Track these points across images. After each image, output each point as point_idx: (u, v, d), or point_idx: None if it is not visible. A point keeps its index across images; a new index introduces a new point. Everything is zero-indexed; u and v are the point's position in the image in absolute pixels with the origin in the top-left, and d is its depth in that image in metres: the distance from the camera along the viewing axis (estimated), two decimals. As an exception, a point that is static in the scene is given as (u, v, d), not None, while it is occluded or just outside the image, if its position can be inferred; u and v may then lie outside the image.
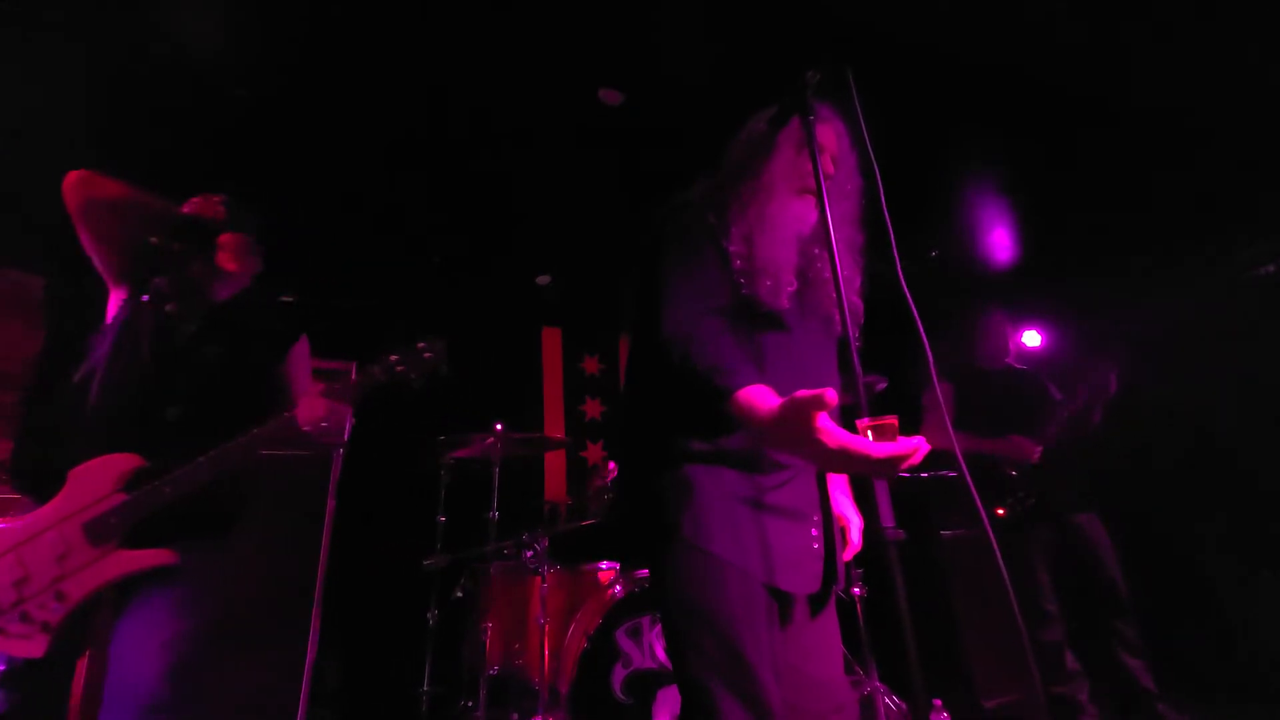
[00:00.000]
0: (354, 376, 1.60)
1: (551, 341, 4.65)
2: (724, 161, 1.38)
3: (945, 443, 2.79)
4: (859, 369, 1.02)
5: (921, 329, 0.95)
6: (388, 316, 3.76)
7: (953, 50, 2.49)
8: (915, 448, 0.90)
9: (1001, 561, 0.90)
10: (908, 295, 0.96)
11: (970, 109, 2.82)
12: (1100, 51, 2.51)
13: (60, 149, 2.80)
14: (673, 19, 2.32)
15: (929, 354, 0.97)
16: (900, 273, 0.97)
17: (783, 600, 1.15)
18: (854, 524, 1.39)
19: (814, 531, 1.20)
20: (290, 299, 3.82)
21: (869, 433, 0.92)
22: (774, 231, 1.22)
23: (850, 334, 1.04)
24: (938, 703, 2.65)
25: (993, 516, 2.64)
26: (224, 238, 1.64)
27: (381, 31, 2.39)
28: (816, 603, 1.23)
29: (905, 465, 0.90)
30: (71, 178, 1.55)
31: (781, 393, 1.00)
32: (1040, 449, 2.62)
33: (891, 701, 2.61)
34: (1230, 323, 3.24)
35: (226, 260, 1.64)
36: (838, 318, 1.23)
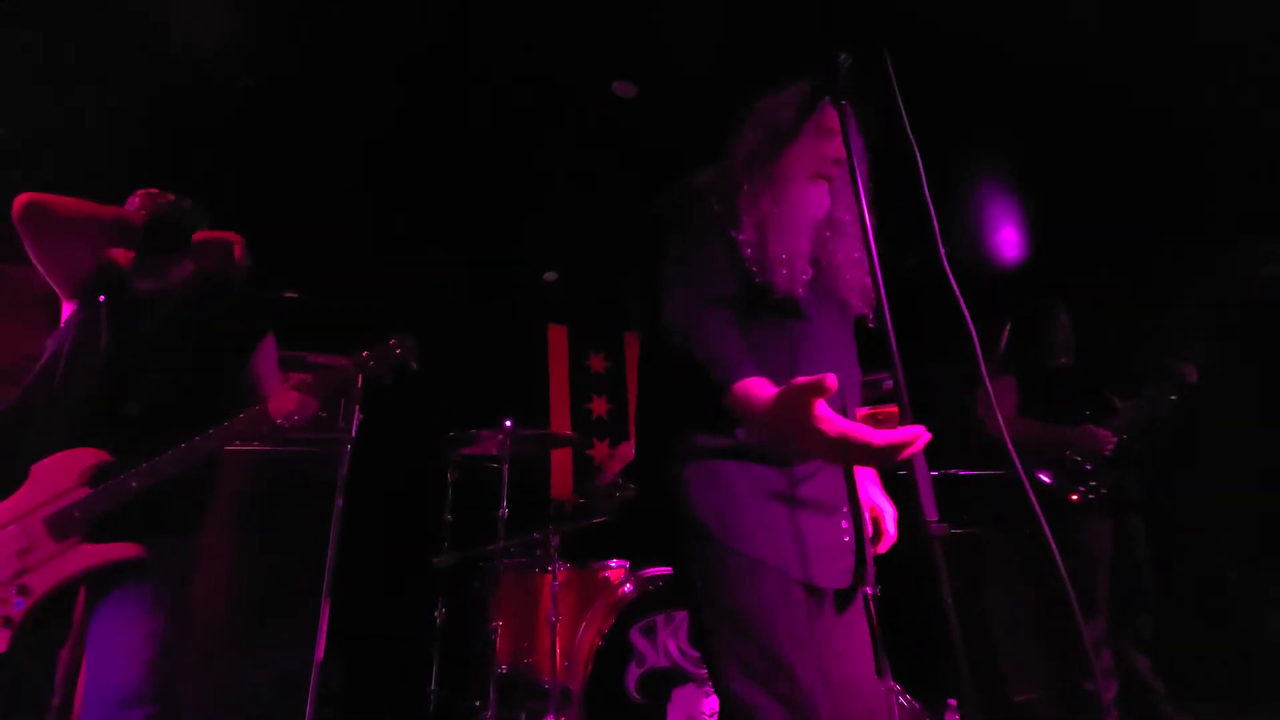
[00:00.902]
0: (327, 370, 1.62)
1: (558, 338, 4.63)
2: (730, 146, 1.33)
3: (1012, 432, 2.71)
4: (898, 358, 0.99)
5: (969, 318, 0.92)
6: (393, 313, 3.73)
7: (968, 44, 2.48)
8: (916, 435, 0.88)
9: (1059, 556, 0.88)
10: (953, 283, 0.93)
11: (983, 104, 2.81)
12: (1113, 46, 2.50)
13: (63, 147, 2.77)
14: (689, 11, 2.30)
15: (976, 344, 0.94)
16: (945, 260, 0.95)
17: (816, 598, 1.10)
18: (888, 513, 1.34)
19: (844, 524, 1.16)
20: (294, 295, 3.80)
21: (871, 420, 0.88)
22: (790, 219, 1.18)
23: (888, 325, 1.01)
24: (952, 702, 2.63)
25: (1066, 503, 2.62)
26: (198, 236, 1.63)
27: (390, 23, 2.36)
28: (845, 600, 1.18)
29: (905, 454, 0.88)
30: (20, 203, 1.48)
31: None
32: (1114, 441, 2.61)
33: (905, 700, 2.59)
34: (1242, 321, 3.23)
35: (200, 255, 1.63)
36: (854, 301, 1.25)
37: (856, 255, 1.23)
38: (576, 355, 4.65)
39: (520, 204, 3.50)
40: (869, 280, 1.22)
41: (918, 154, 0.99)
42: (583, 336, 4.69)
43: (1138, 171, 3.19)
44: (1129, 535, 2.65)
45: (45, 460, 1.43)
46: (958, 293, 0.92)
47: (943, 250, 0.97)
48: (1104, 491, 2.62)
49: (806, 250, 1.19)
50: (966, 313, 0.92)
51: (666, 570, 2.49)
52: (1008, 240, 4.01)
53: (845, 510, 1.17)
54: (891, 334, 1.01)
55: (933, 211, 0.96)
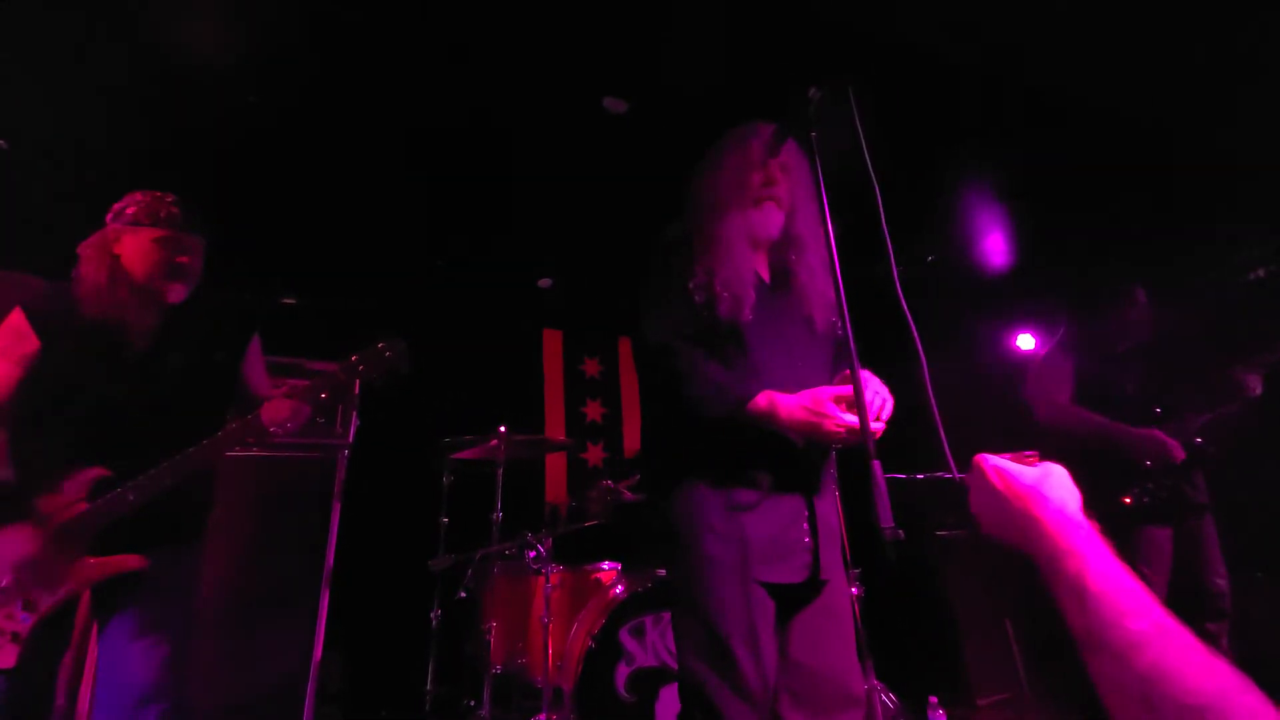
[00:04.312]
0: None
1: (552, 343, 4.69)
2: (691, 190, 1.53)
3: (1066, 421, 2.37)
4: (856, 360, 1.08)
5: (913, 326, 1.01)
6: (390, 318, 3.79)
7: (951, 57, 2.54)
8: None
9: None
10: (902, 299, 1.01)
11: (966, 114, 2.87)
12: (1092, 57, 2.57)
13: (68, 152, 2.83)
14: (679, 30, 2.37)
15: (922, 356, 1.02)
16: (896, 276, 1.03)
17: (781, 598, 1.27)
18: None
19: (804, 525, 1.32)
20: (291, 301, 3.86)
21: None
22: (728, 249, 1.37)
23: (848, 329, 1.10)
24: (933, 700, 2.69)
25: (1118, 505, 2.29)
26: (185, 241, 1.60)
27: (388, 37, 2.43)
28: (820, 599, 1.33)
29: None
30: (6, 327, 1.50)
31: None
32: (1181, 450, 2.26)
33: (888, 699, 2.65)
34: (1222, 326, 3.28)
35: (183, 260, 1.60)
36: (818, 315, 1.42)
37: (819, 265, 1.41)
38: (571, 360, 4.70)
39: (515, 213, 3.57)
40: (832, 293, 1.38)
41: (875, 181, 1.07)
42: (577, 342, 4.74)
43: (1124, 176, 3.26)
44: (1191, 542, 2.32)
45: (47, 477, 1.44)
46: (905, 307, 1.00)
47: (895, 267, 1.04)
48: (1163, 495, 2.29)
49: (751, 276, 1.37)
50: (912, 323, 1.00)
51: (654, 573, 2.56)
52: (996, 245, 4.08)
53: (805, 519, 1.34)
54: (851, 338, 1.09)
55: (886, 233, 1.04)
